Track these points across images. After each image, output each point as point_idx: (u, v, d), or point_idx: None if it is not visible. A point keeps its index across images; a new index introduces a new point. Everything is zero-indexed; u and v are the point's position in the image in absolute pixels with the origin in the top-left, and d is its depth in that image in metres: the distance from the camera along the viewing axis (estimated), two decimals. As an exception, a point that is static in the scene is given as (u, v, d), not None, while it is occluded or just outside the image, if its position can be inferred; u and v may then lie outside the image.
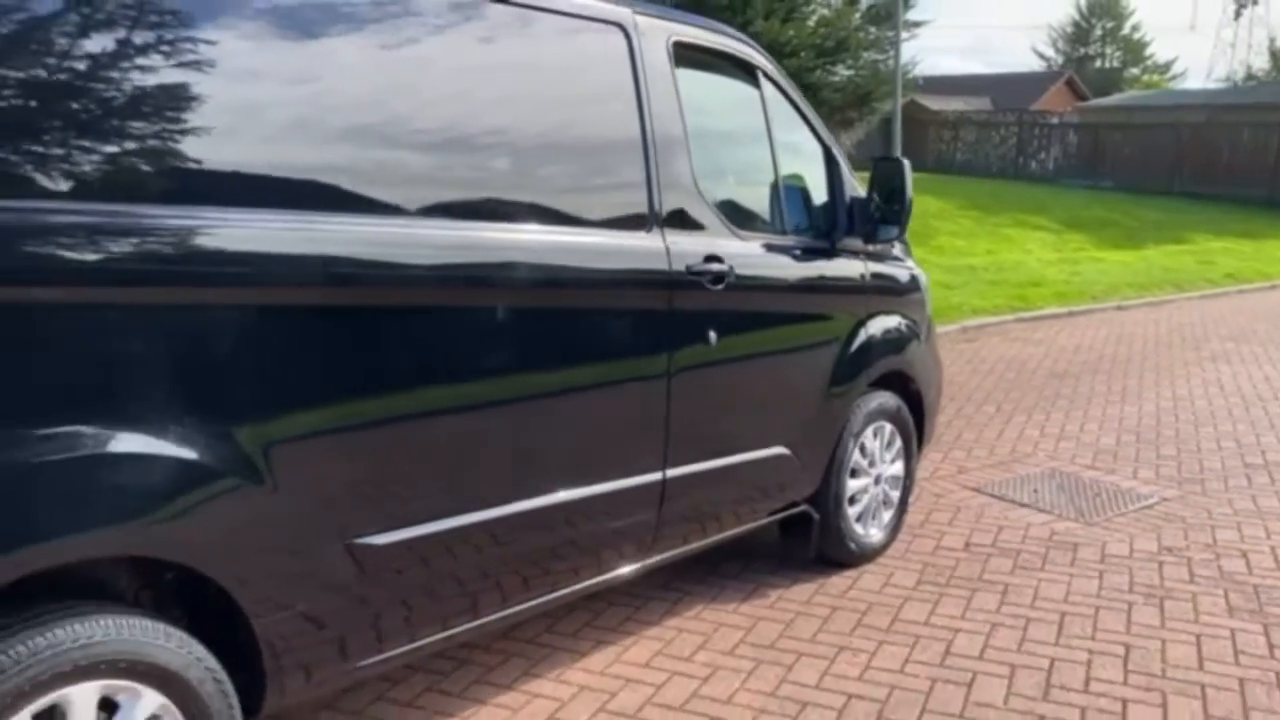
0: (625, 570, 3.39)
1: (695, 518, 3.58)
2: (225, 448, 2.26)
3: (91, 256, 2.05)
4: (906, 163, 3.97)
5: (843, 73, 28.89)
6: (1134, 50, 62.96)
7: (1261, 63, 57.84)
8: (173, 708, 2.24)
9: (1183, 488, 5.52)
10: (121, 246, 2.09)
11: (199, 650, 2.27)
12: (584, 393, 3.06)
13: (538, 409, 2.92)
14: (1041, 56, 64.35)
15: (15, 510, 1.96)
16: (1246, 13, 55.76)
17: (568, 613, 3.79)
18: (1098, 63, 61.90)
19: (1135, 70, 61.61)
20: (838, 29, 29.82)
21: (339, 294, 2.45)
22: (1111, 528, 4.89)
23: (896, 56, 19.29)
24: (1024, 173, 29.09)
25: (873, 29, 33.01)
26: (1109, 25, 63.07)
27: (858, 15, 33.13)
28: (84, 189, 2.05)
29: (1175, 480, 5.66)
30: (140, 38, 2.15)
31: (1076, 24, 63.74)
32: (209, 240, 2.22)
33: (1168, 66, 62.68)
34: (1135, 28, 63.20)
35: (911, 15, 33.53)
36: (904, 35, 33.95)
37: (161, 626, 2.22)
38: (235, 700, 2.36)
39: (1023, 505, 5.20)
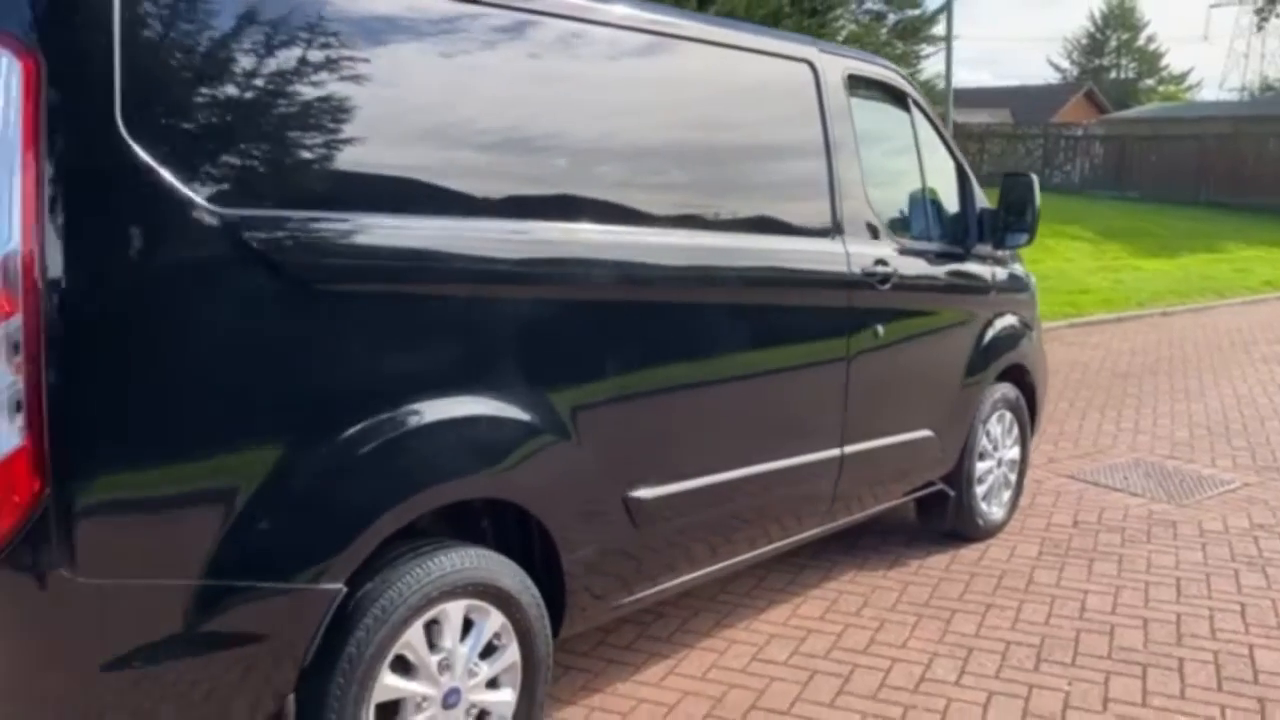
0: (811, 533, 3.91)
1: (862, 490, 4.08)
2: (545, 411, 2.76)
3: (479, 264, 2.59)
4: (1034, 178, 4.48)
5: (871, 87, 29.07)
6: (1149, 61, 63.33)
7: (1277, 72, 58.23)
8: (509, 627, 2.75)
9: (1260, 474, 5.99)
10: (506, 255, 2.65)
11: (528, 580, 2.78)
12: (789, 375, 3.58)
13: (759, 390, 3.44)
14: (1056, 68, 64.86)
15: (423, 461, 2.48)
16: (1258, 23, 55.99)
17: (735, 578, 4.27)
18: (1113, 74, 62.24)
19: (1150, 81, 62.02)
20: (866, 44, 30.22)
21: (626, 291, 2.97)
22: (1203, 508, 5.36)
23: (948, 68, 19.76)
24: (1049, 184, 29.51)
25: (899, 44, 33.43)
26: (1124, 36, 63.48)
27: (885, 30, 33.57)
28: (482, 208, 2.62)
29: (1251, 468, 6.13)
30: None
31: (1091, 35, 64.17)
32: (548, 249, 2.75)
33: (1183, 77, 63.11)
34: (1150, 39, 63.63)
35: (938, 30, 33.97)
36: (930, 50, 34.39)
37: (503, 559, 2.73)
38: (548, 624, 2.86)
39: (1116, 490, 5.68)
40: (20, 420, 1.92)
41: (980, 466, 4.74)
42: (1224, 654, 3.73)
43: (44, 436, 1.94)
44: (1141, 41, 63.29)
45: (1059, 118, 38.99)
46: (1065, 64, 64.34)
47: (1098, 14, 63.55)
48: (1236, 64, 75.80)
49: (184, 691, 2.17)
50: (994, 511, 4.89)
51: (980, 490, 4.77)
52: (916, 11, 33.06)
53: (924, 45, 34.08)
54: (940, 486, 4.60)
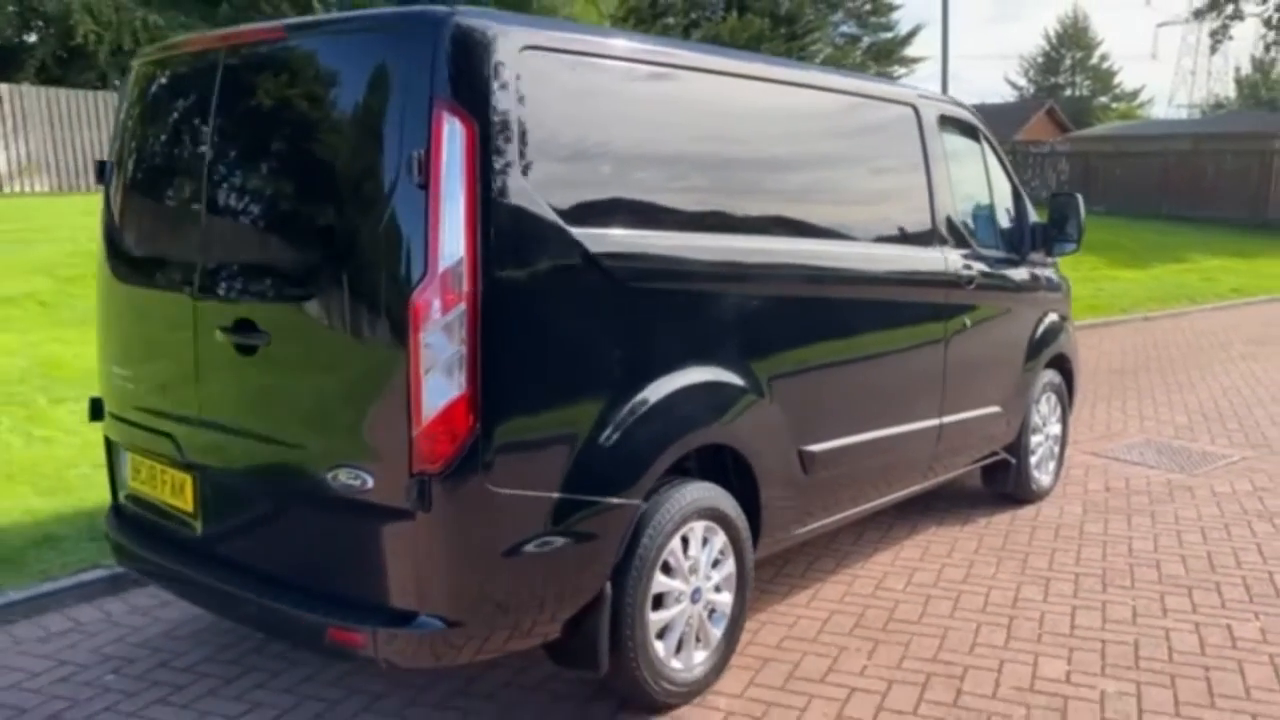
0: (913, 490, 4.80)
1: (952, 454, 4.96)
2: (752, 378, 3.61)
3: (722, 269, 3.45)
4: (1079, 196, 5.41)
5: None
6: (1103, 79, 65.27)
7: (1225, 90, 60.40)
8: (729, 545, 3.59)
9: (1255, 450, 6.95)
10: (735, 262, 3.54)
11: (740, 510, 3.62)
12: (908, 355, 4.47)
13: (888, 368, 4.34)
14: (1014, 86, 66.72)
15: (690, 413, 3.33)
16: (1206, 41, 57.90)
17: (839, 533, 5.10)
18: (1068, 91, 64.07)
19: (1105, 99, 63.97)
20: (843, 65, 31.41)
21: (804, 288, 3.84)
22: (1211, 476, 6.30)
23: (944, 85, 20.79)
24: (1020, 199, 30.71)
25: (874, 64, 34.57)
26: (1078, 55, 65.45)
27: (859, 52, 34.74)
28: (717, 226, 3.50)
29: (1246, 445, 7.09)
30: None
31: (1047, 54, 66.12)
32: (760, 257, 3.62)
33: (1135, 94, 65.18)
34: (1104, 57, 65.64)
35: (909, 51, 35.10)
36: (902, 71, 35.47)
37: (725, 492, 3.57)
38: (752, 546, 3.70)
39: (1135, 464, 6.61)
40: (463, 376, 2.74)
41: (1033, 439, 5.64)
42: (1250, 578, 4.64)
43: (477, 388, 2.76)
44: (1095, 60, 65.24)
45: (1022, 135, 40.34)
46: (1022, 82, 66.27)
47: (1053, 33, 65.60)
48: (1184, 81, 78.32)
49: (549, 572, 3.00)
50: (1044, 478, 5.79)
51: (1034, 459, 5.67)
52: (890, 34, 34.41)
53: (897, 66, 35.37)
54: (1003, 455, 5.49)
